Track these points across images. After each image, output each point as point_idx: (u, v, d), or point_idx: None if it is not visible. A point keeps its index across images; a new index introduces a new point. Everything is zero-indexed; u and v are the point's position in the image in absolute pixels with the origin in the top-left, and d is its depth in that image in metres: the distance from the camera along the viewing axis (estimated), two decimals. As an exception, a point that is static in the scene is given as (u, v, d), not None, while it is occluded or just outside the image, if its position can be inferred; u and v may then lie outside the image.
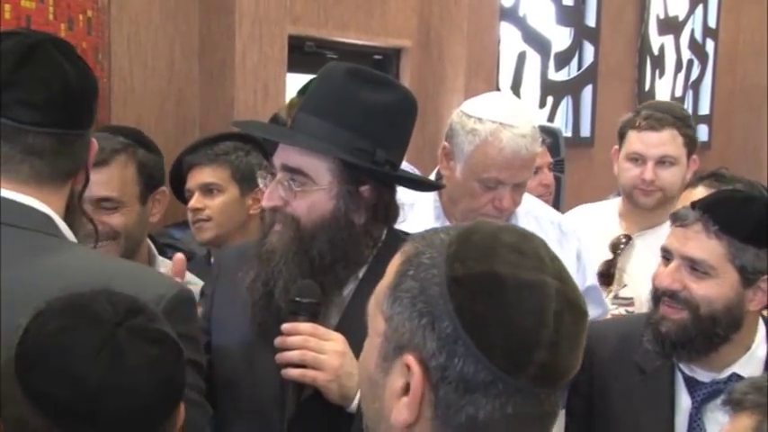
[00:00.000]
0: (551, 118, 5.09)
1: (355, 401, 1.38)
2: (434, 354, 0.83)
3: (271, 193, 1.45)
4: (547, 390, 0.86)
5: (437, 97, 4.16)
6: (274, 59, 3.34)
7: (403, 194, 1.56)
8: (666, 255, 1.59)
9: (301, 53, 3.58)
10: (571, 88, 5.27)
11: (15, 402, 0.93)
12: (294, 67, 3.44)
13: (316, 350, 1.37)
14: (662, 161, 2.34)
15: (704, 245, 1.52)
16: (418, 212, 2.03)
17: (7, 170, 1.16)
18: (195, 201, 2.29)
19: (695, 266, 1.54)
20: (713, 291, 1.53)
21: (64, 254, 1.15)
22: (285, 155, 1.45)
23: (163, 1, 3.14)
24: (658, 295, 1.60)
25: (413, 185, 1.62)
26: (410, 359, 0.85)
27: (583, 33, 5.30)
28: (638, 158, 2.36)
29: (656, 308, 1.59)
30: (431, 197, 2.05)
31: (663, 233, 1.71)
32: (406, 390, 0.86)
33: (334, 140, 1.41)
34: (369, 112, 1.42)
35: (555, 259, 0.89)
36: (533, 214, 2.13)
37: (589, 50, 5.34)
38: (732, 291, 1.54)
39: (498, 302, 0.83)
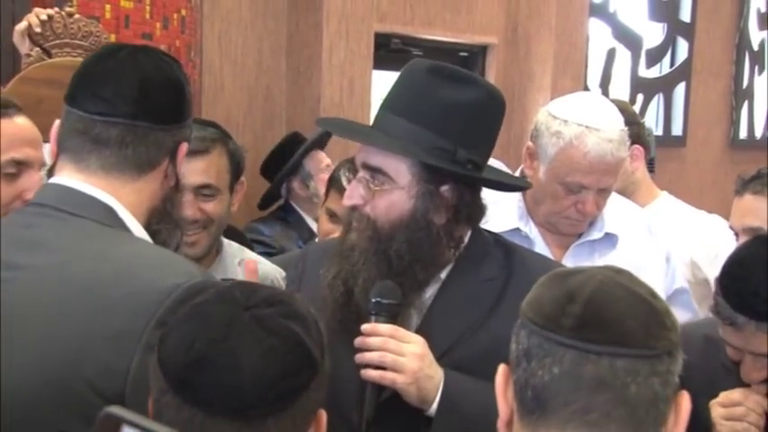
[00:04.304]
0: (641, 116, 4.96)
1: (434, 405, 1.38)
2: (513, 349, 0.94)
3: (351, 191, 1.45)
4: (594, 345, 0.87)
5: (523, 95, 4.11)
6: (360, 56, 3.37)
7: (486, 193, 1.54)
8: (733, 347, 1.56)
9: (387, 50, 3.59)
10: (663, 85, 5.13)
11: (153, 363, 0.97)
12: (380, 64, 3.46)
13: (395, 352, 1.37)
14: None
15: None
16: (501, 212, 2.01)
17: (78, 160, 1.23)
18: None
19: None
20: None
21: (101, 240, 1.19)
22: (366, 153, 1.45)
23: (253, -1, 3.21)
24: None
25: (494, 186, 1.57)
26: (502, 365, 0.97)
27: (676, 28, 5.14)
28: None
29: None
30: (515, 197, 2.01)
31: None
32: None
33: (413, 140, 1.40)
34: (449, 110, 1.41)
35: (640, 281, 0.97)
36: (621, 215, 2.08)
37: (683, 46, 5.18)
38: None
39: (550, 283, 0.95)
